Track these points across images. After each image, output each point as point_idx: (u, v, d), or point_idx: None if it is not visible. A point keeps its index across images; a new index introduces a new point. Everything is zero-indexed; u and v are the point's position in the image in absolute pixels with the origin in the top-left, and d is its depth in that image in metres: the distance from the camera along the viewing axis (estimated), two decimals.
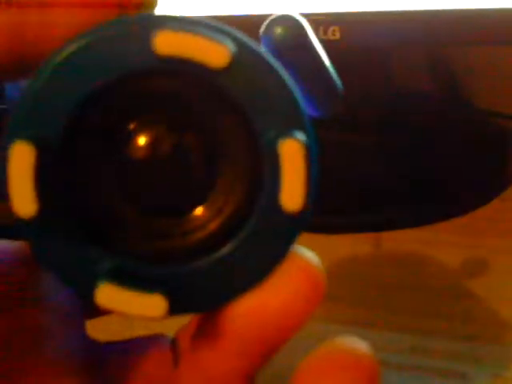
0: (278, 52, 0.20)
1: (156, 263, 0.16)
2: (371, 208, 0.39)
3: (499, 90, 0.54)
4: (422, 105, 0.52)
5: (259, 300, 0.15)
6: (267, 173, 0.15)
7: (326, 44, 0.39)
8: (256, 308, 0.15)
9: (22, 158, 0.14)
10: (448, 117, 0.50)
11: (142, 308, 0.14)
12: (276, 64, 0.15)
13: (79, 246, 0.15)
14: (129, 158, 0.16)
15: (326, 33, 0.39)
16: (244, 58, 0.15)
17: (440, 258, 0.37)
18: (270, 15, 0.20)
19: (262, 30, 0.20)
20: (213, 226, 0.16)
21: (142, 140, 0.16)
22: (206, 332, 0.16)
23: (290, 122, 0.15)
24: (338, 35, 0.39)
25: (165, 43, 0.14)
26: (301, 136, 0.15)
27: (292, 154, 0.15)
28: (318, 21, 0.39)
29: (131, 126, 0.16)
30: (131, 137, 0.16)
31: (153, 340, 0.19)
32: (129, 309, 0.14)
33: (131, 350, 0.19)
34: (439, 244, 0.38)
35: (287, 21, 0.20)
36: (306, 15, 0.39)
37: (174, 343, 0.19)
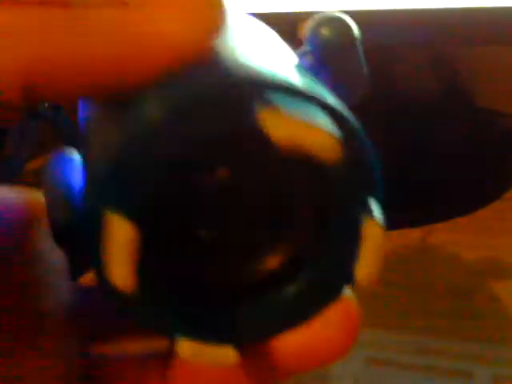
0: (325, 53, 0.19)
1: (221, 303, 0.16)
2: None
3: (503, 90, 0.54)
4: (425, 104, 0.52)
5: (307, 333, 0.16)
6: (339, 237, 0.16)
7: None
8: (303, 341, 0.16)
9: (122, 233, 0.14)
10: (451, 116, 0.50)
11: (216, 358, 0.16)
12: (366, 139, 0.15)
13: (163, 308, 0.16)
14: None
15: None
16: (347, 145, 0.14)
17: (445, 257, 0.37)
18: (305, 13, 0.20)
19: (306, 30, 0.21)
20: (276, 265, 0.16)
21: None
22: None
23: (368, 188, 0.16)
24: None
25: (275, 127, 0.13)
26: (378, 213, 0.15)
27: (374, 236, 0.15)
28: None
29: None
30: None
31: None
32: (205, 359, 0.16)
33: None
34: (443, 243, 0.38)
35: (334, 22, 0.20)
36: (309, 13, 0.39)
37: None
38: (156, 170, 0.14)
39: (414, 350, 0.30)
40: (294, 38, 0.39)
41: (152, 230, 0.14)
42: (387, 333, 0.31)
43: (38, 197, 0.19)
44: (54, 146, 0.22)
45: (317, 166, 0.14)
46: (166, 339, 0.16)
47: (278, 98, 0.13)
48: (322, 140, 0.14)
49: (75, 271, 0.16)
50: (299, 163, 0.14)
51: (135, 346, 0.20)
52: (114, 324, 0.20)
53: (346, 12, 0.40)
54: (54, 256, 0.18)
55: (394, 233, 0.38)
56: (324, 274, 0.16)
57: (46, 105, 0.35)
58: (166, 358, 0.18)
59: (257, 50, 0.17)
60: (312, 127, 0.14)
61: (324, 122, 0.14)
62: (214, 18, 0.14)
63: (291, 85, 0.14)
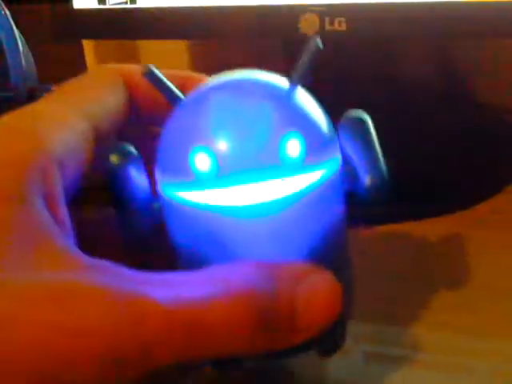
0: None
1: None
2: None
3: (504, 85, 0.53)
4: (426, 98, 0.52)
5: None
6: None
7: (331, 35, 0.39)
8: None
9: None
10: (453, 110, 0.50)
11: None
12: None
13: None
14: None
15: (332, 24, 0.39)
16: None
17: (443, 250, 0.37)
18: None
19: (340, 124, 0.24)
20: None
21: None
22: None
23: None
24: (344, 26, 0.39)
25: None
26: None
27: None
28: (324, 12, 0.39)
29: None
30: None
31: None
32: None
33: None
34: (443, 237, 0.38)
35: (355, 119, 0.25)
36: (312, 6, 0.39)
37: None
38: None
39: (411, 344, 0.30)
40: (294, 29, 0.38)
41: None
42: (383, 326, 0.31)
43: None
44: None
45: None
46: None
47: None
48: None
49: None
50: None
51: None
52: None
53: (351, 5, 0.41)
54: None
55: (390, 225, 0.38)
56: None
57: None
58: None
59: None
60: None
61: None
62: None
63: None
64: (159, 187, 0.23)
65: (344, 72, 0.47)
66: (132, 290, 0.18)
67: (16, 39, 0.36)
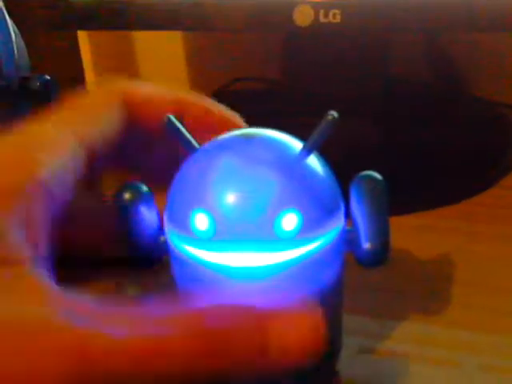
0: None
1: None
2: None
3: (500, 78, 0.53)
4: (421, 90, 0.52)
5: None
6: None
7: (326, 27, 0.39)
8: None
9: None
10: (448, 103, 0.50)
11: None
12: None
13: None
14: None
15: (326, 16, 0.39)
16: None
17: (438, 244, 0.37)
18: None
19: (352, 183, 0.25)
20: None
21: None
22: None
23: None
24: (338, 18, 0.39)
25: None
26: None
27: None
28: (318, 3, 0.39)
29: None
30: None
31: None
32: None
33: None
34: (437, 230, 0.38)
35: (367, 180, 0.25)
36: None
37: None
38: None
39: (403, 338, 0.30)
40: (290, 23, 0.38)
41: None
42: (377, 321, 0.31)
43: None
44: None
45: None
46: None
47: None
48: None
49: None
50: None
51: None
52: None
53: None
54: None
55: None
56: None
57: None
58: None
59: None
60: None
61: None
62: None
63: None
64: (166, 231, 0.24)
65: (338, 64, 0.47)
66: (85, 328, 0.18)
67: (8, 28, 0.36)
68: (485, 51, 0.53)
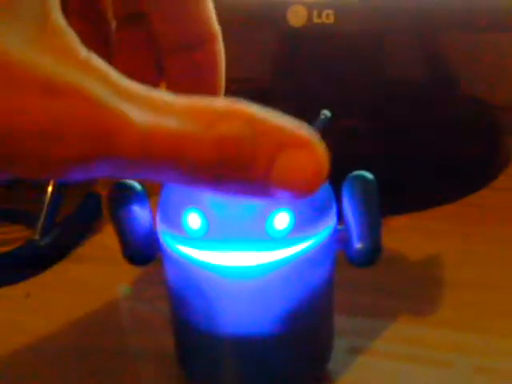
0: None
1: None
2: None
3: (491, 79, 0.54)
4: (414, 91, 0.52)
5: None
6: None
7: (319, 27, 0.39)
8: None
9: None
10: (439, 104, 0.50)
11: None
12: None
13: None
14: None
15: (320, 16, 0.39)
16: None
17: (428, 245, 0.37)
18: None
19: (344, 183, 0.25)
20: None
21: None
22: None
23: None
24: (331, 19, 0.39)
25: None
26: None
27: None
28: (312, 4, 0.39)
29: None
30: None
31: None
32: None
33: None
34: (429, 231, 0.38)
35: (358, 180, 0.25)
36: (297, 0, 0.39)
37: None
38: None
39: (394, 338, 0.30)
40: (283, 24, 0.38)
41: None
42: (368, 321, 0.31)
43: None
44: None
45: None
46: None
47: None
48: None
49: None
50: None
51: None
52: None
53: None
54: None
55: None
56: None
57: None
58: None
59: None
60: None
61: None
62: None
63: None
64: (158, 230, 0.24)
65: (331, 64, 0.47)
66: (112, 105, 0.17)
67: None
68: (478, 52, 0.53)
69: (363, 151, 0.43)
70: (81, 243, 0.39)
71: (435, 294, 0.33)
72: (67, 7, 0.21)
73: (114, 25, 0.27)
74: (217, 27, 0.25)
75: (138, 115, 0.17)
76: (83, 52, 0.18)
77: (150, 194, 0.25)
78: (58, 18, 0.18)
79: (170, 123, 0.18)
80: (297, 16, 0.39)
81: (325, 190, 0.23)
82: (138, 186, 0.25)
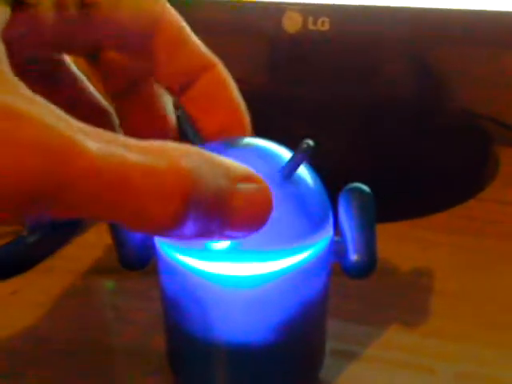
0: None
1: None
2: None
3: (480, 90, 0.54)
4: (404, 101, 0.52)
5: None
6: None
7: (314, 34, 0.39)
8: None
9: None
10: (429, 115, 0.51)
11: None
12: None
13: None
14: None
15: (315, 23, 0.39)
16: None
17: (415, 253, 0.37)
18: None
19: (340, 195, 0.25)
20: None
21: None
22: None
23: None
24: (327, 26, 0.39)
25: None
26: None
27: None
28: (307, 11, 0.39)
29: None
30: None
31: None
32: None
33: None
34: (414, 240, 0.38)
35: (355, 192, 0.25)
36: (296, 4, 0.39)
37: None
38: None
39: (386, 346, 0.30)
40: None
41: None
42: (350, 325, 0.31)
43: None
44: None
45: None
46: None
47: None
48: None
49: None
50: None
51: None
52: None
53: (335, 6, 0.40)
54: None
55: None
56: None
57: None
58: None
59: None
60: None
61: None
62: None
63: None
64: (155, 238, 0.24)
65: (326, 71, 0.47)
66: (64, 130, 0.16)
67: None
68: (468, 64, 0.54)
69: (353, 161, 0.43)
70: (69, 241, 0.38)
71: (418, 301, 0.33)
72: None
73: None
74: (213, 56, 0.25)
75: (93, 144, 0.16)
76: (29, 93, 0.17)
77: None
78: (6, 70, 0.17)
79: (131, 156, 0.17)
80: (292, 22, 0.39)
81: (322, 201, 0.23)
82: None
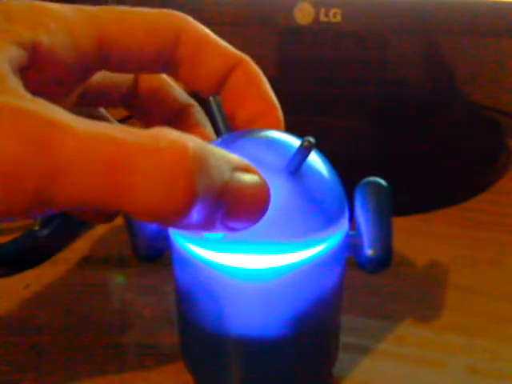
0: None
1: None
2: None
3: (495, 84, 0.54)
4: (416, 93, 0.52)
5: None
6: None
7: (326, 26, 0.39)
8: None
9: None
10: (441, 108, 0.50)
11: None
12: None
13: None
14: None
15: (327, 15, 0.39)
16: None
17: (428, 247, 0.37)
18: None
19: (356, 188, 0.25)
20: None
21: None
22: None
23: None
24: (339, 18, 0.39)
25: None
26: None
27: None
28: (319, 2, 0.39)
29: None
30: None
31: None
32: None
33: None
34: (428, 234, 0.38)
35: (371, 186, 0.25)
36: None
37: None
38: None
39: (400, 340, 0.30)
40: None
41: None
42: (363, 319, 0.31)
43: None
44: None
45: None
46: None
47: None
48: None
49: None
50: None
51: None
52: None
53: None
54: None
55: None
56: None
57: None
58: None
59: None
60: None
61: None
62: None
63: None
64: (169, 230, 0.24)
65: (336, 63, 0.46)
66: (47, 114, 0.15)
67: None
68: (481, 55, 0.53)
69: (365, 154, 0.43)
70: (80, 235, 0.38)
71: (438, 296, 0.33)
72: None
73: None
74: (240, 53, 0.25)
75: (81, 126, 0.16)
76: (28, 95, 0.17)
77: None
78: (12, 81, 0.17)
79: (125, 135, 0.16)
80: (304, 14, 0.39)
81: (338, 194, 0.23)
82: None
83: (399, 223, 0.38)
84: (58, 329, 0.31)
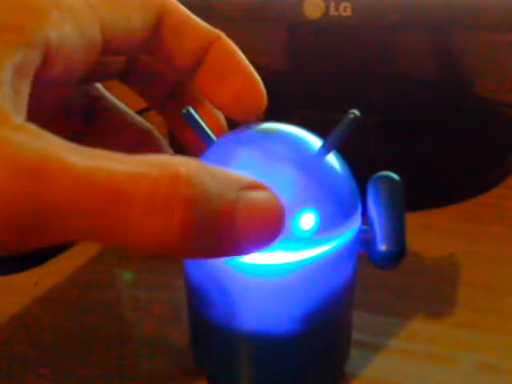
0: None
1: None
2: None
3: (505, 78, 0.53)
4: (426, 88, 0.52)
5: None
6: None
7: (336, 20, 0.39)
8: None
9: None
10: (452, 102, 0.50)
11: None
12: None
13: None
14: None
15: (337, 9, 0.39)
16: None
17: (437, 243, 0.36)
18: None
19: (369, 183, 0.25)
20: None
21: None
22: None
23: None
24: (349, 12, 0.38)
25: None
26: None
27: None
28: None
29: None
30: None
31: None
32: None
33: None
34: (437, 229, 0.38)
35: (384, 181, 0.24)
36: None
37: None
38: None
39: (401, 334, 0.30)
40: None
41: None
42: (375, 316, 0.31)
43: None
44: None
45: None
46: None
47: None
48: None
49: None
50: None
51: None
52: None
53: None
54: None
55: None
56: None
57: None
58: None
59: None
60: None
61: None
62: None
63: None
64: None
65: (346, 57, 0.46)
66: (40, 147, 0.15)
67: None
68: (490, 50, 0.53)
69: (377, 149, 0.43)
70: None
71: (449, 293, 0.32)
72: None
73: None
74: (215, 29, 0.25)
75: (77, 159, 0.15)
76: (18, 120, 0.16)
77: None
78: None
79: (119, 167, 0.15)
80: (313, 8, 0.39)
81: (351, 190, 0.23)
82: None
83: (412, 218, 0.38)
84: (67, 326, 0.31)
